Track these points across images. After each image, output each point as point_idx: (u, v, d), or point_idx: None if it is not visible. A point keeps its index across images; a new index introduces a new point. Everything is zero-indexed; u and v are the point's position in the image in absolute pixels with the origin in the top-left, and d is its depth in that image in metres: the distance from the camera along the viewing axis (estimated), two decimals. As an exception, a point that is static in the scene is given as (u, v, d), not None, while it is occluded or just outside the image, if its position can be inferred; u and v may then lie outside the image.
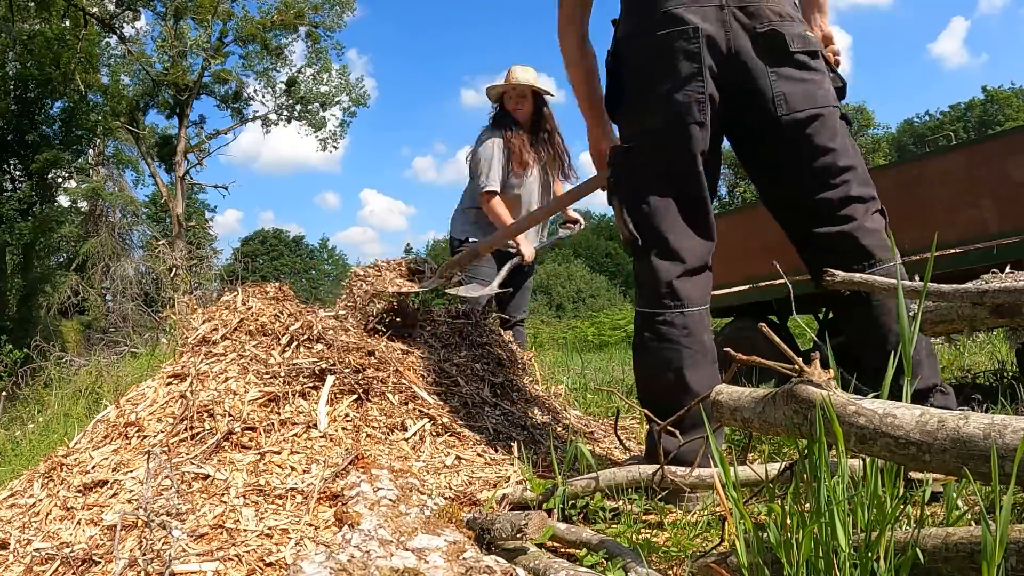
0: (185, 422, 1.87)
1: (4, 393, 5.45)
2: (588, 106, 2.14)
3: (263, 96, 24.12)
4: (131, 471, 1.73)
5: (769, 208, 1.97)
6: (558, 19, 2.08)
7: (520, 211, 3.52)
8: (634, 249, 1.91)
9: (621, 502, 1.66)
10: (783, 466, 1.29)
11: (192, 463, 1.71)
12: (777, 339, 1.07)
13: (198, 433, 1.83)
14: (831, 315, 4.66)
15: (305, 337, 2.25)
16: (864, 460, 1.06)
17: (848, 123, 1.87)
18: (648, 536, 1.52)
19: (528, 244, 3.43)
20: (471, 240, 3.50)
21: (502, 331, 2.96)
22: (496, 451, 2.09)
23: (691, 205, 1.87)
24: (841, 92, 1.91)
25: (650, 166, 1.88)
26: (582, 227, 3.82)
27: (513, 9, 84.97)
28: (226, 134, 23.81)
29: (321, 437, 1.89)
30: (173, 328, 2.46)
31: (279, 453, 1.80)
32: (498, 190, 3.42)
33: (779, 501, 1.07)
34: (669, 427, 1.62)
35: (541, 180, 3.58)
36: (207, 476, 1.67)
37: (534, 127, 3.54)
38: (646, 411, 1.87)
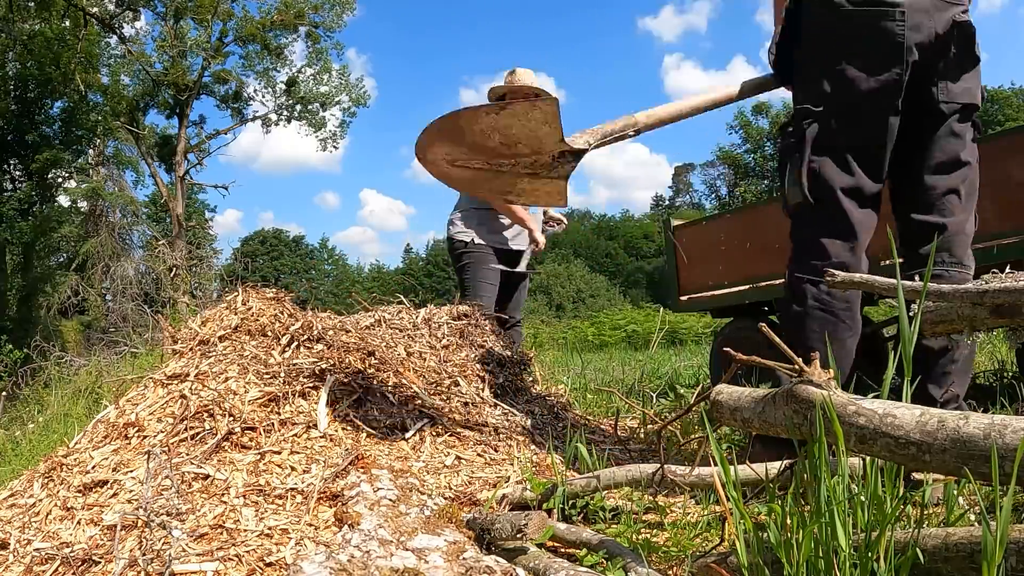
0: (185, 422, 1.87)
1: (4, 393, 5.44)
2: None
3: (263, 96, 24.17)
4: (131, 471, 1.73)
5: (891, 188, 1.97)
6: None
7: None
8: (802, 214, 1.91)
9: (621, 500, 1.66)
10: (783, 466, 1.29)
11: (192, 463, 1.71)
12: (777, 339, 1.07)
13: (198, 433, 1.83)
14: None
15: (305, 337, 2.25)
16: (864, 460, 1.06)
17: (978, 130, 1.92)
18: (648, 536, 1.52)
19: (537, 224, 3.59)
20: (476, 241, 3.52)
21: (501, 330, 2.97)
22: (496, 451, 2.09)
23: (868, 181, 1.87)
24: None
25: (835, 138, 1.87)
26: (564, 227, 3.92)
27: (513, 9, 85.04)
28: (226, 134, 23.85)
29: (321, 437, 1.89)
30: (171, 329, 2.46)
31: (279, 453, 1.80)
32: None
33: (779, 501, 1.07)
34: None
35: None
36: (207, 476, 1.67)
37: None
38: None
